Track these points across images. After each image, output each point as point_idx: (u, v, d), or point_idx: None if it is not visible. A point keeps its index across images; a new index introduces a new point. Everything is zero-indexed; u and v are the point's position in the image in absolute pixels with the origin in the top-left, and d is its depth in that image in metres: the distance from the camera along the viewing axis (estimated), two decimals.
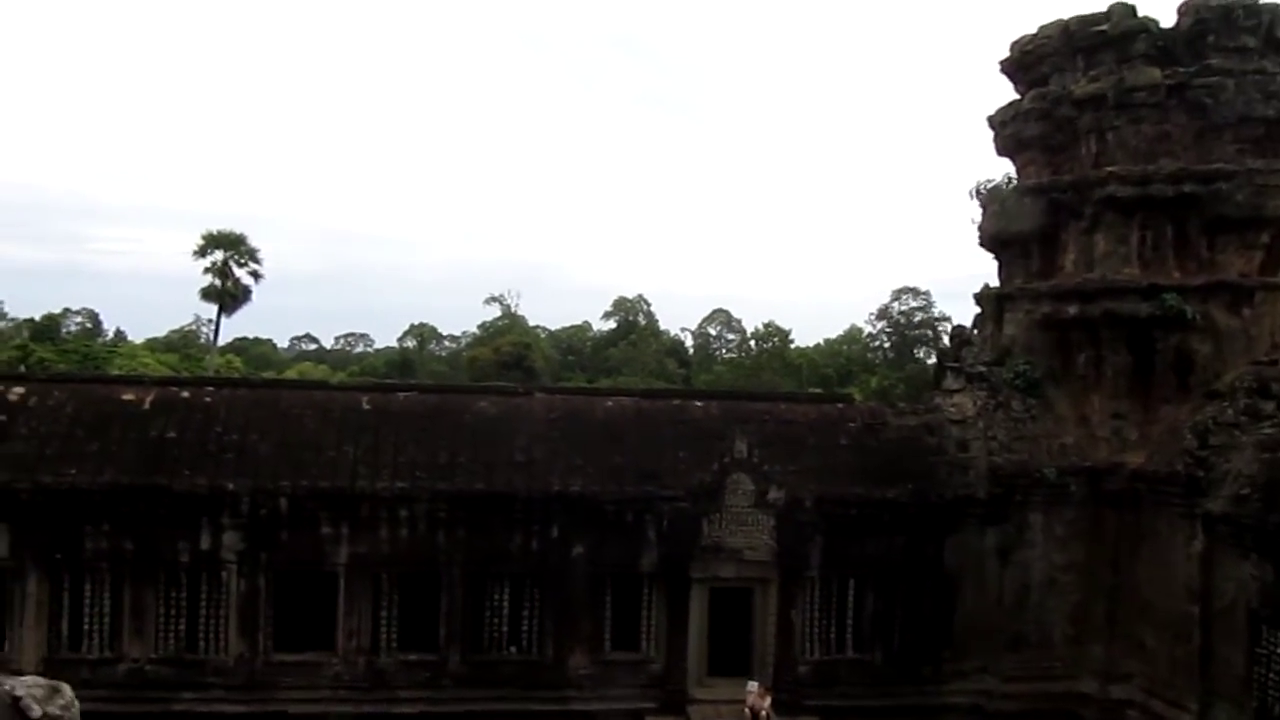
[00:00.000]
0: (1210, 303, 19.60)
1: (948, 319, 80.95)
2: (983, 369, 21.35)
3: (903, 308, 79.96)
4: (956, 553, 20.54)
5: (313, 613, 19.28)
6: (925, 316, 79.12)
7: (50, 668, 18.01)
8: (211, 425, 19.41)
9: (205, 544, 18.75)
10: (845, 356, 79.08)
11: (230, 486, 18.72)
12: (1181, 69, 20.03)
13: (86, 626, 18.38)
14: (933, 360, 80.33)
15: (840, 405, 22.16)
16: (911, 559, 20.45)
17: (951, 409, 21.39)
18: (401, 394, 20.87)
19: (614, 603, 20.03)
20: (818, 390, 68.25)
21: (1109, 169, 20.16)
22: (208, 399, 19.94)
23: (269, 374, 72.59)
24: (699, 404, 21.51)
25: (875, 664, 20.45)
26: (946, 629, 20.53)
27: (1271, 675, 16.90)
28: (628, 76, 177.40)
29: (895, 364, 75.64)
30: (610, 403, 21.22)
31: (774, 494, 19.79)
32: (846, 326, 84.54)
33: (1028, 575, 20.49)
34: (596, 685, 19.78)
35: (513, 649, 19.92)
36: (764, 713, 18.71)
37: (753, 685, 19.07)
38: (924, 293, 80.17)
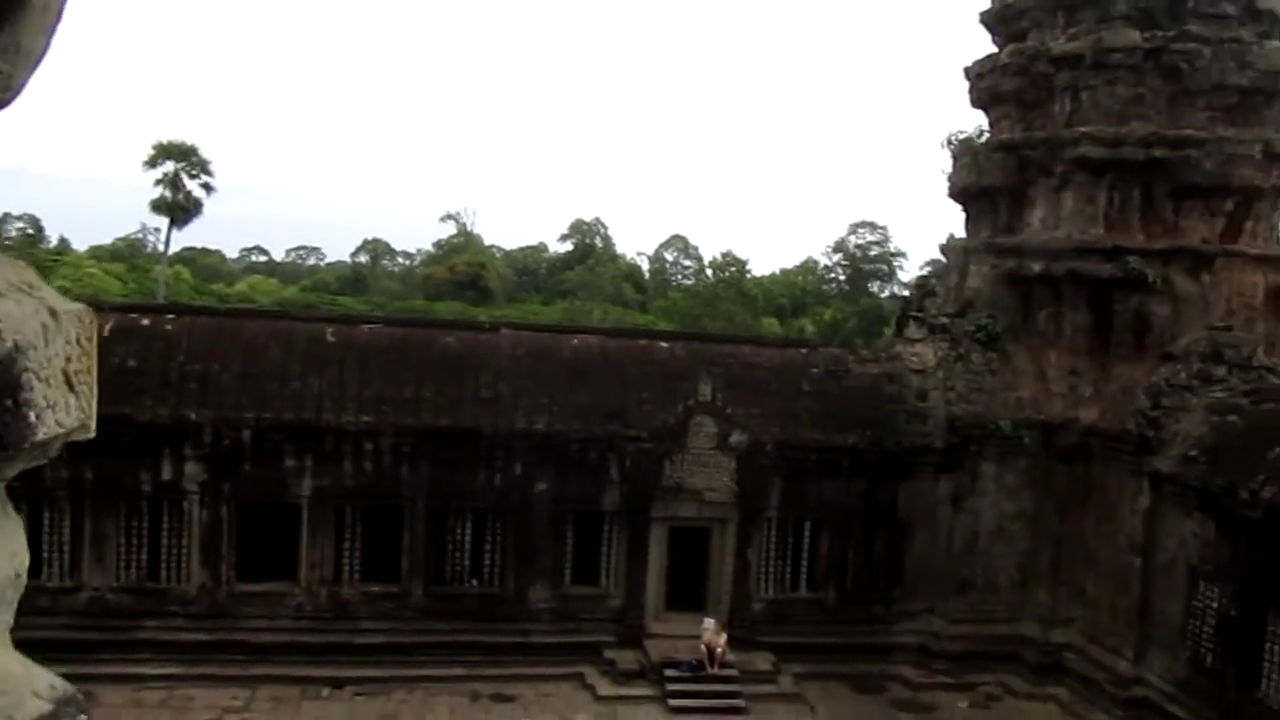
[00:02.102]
0: (1171, 267, 19.97)
1: (903, 255, 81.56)
2: (945, 320, 21.65)
3: (859, 241, 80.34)
4: (910, 499, 21.08)
5: (276, 544, 19.35)
6: (881, 251, 79.62)
7: None
8: (173, 354, 19.14)
9: (167, 474, 18.66)
10: (800, 288, 79.53)
11: (193, 417, 18.58)
12: (1160, 32, 20.08)
13: (46, 554, 18.27)
14: (886, 294, 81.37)
15: (804, 350, 22.39)
16: (867, 503, 20.97)
17: (913, 358, 21.73)
18: (366, 326, 20.71)
19: (575, 539, 20.33)
20: (772, 321, 68.72)
21: (1082, 129, 20.28)
22: (169, 327, 19.62)
23: (218, 285, 71.35)
24: (664, 345, 21.62)
25: (828, 603, 21.05)
26: (898, 571, 21.17)
27: (1205, 628, 17.71)
28: None
29: (849, 297, 76.15)
30: (576, 341, 21.24)
31: (736, 437, 20.08)
32: (803, 258, 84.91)
33: (978, 522, 21.09)
34: (556, 618, 20.18)
35: (474, 582, 20.21)
36: (719, 649, 19.26)
37: (709, 622, 19.59)
38: (881, 227, 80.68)
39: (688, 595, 20.65)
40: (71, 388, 1.57)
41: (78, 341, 1.60)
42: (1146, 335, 20.23)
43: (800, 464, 20.53)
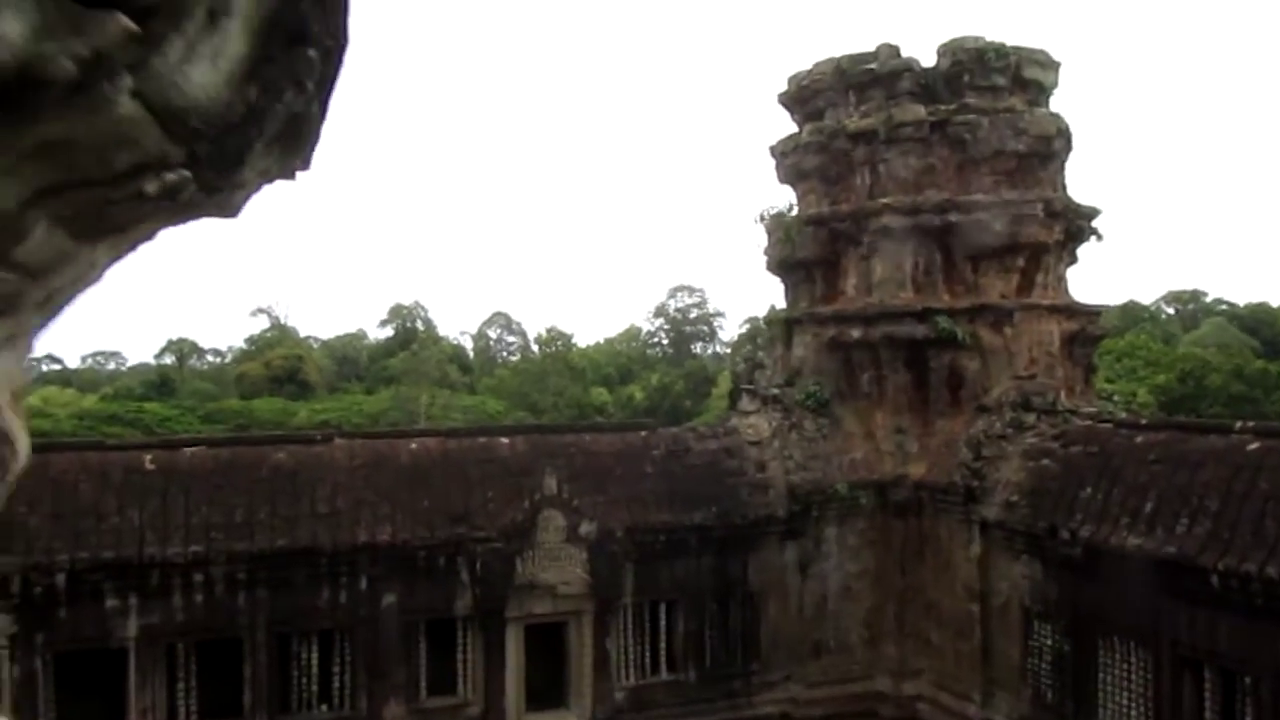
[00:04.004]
0: (976, 323, 21.26)
1: (722, 314, 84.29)
2: (776, 391, 22.31)
3: (678, 305, 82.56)
4: (760, 569, 21.43)
5: (101, 693, 17.93)
6: (701, 313, 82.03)
7: None
8: None
9: None
10: (626, 355, 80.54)
11: None
12: (942, 106, 21.58)
13: None
14: (710, 353, 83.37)
15: (644, 433, 22.54)
16: (718, 579, 21.18)
17: (749, 430, 22.24)
18: (189, 449, 19.61)
19: (429, 649, 19.68)
20: (602, 391, 69.19)
21: (883, 200, 21.49)
22: None
23: None
24: (505, 441, 21.36)
25: (688, 683, 21.03)
26: (754, 643, 21.40)
27: (1043, 665, 18.64)
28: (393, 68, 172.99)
29: (674, 360, 77.76)
30: (414, 444, 20.75)
31: (585, 528, 19.99)
32: (625, 325, 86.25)
33: (825, 585, 21.63)
34: None
35: (324, 707, 19.23)
36: None
37: None
38: (699, 290, 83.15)
39: (548, 692, 20.28)
40: None
41: None
42: (961, 389, 21.42)
43: (650, 547, 20.59)
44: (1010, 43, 22.01)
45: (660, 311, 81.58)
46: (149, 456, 19.13)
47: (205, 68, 1.40)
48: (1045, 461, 19.09)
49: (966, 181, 21.73)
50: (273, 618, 18.71)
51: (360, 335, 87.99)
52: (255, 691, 18.71)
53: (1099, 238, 22.57)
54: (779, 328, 23.64)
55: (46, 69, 1.25)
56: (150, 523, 18.27)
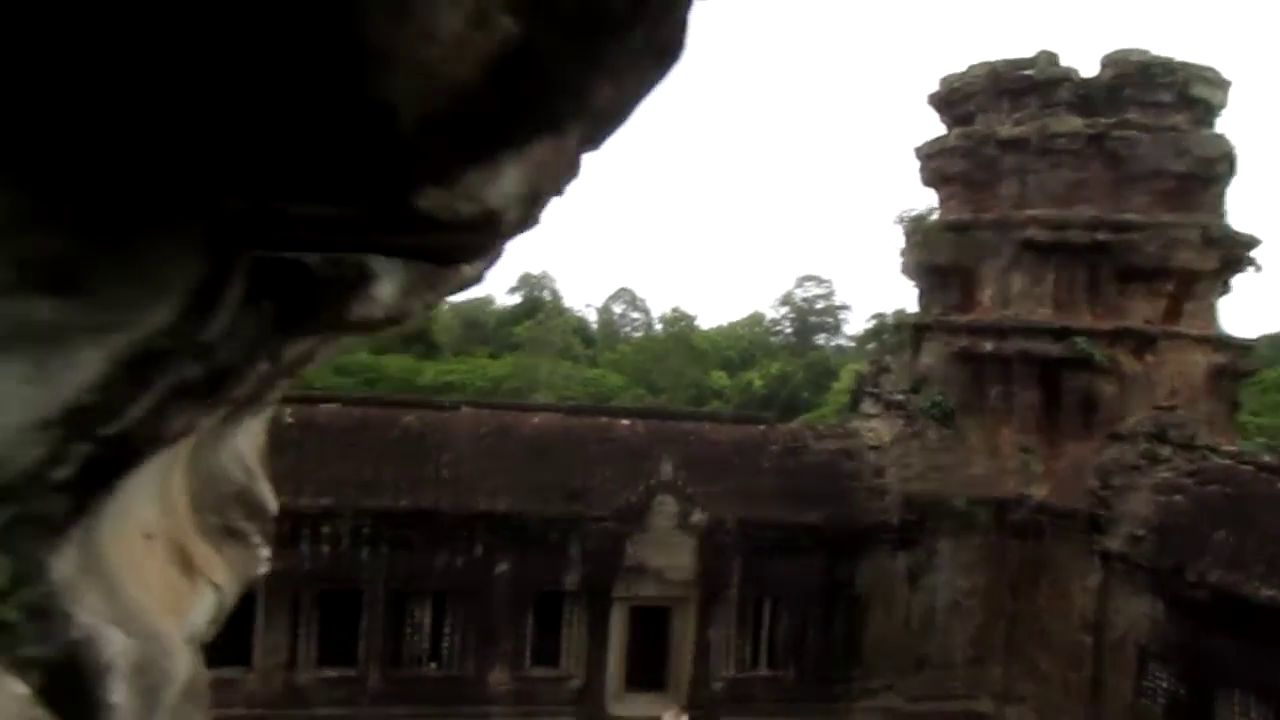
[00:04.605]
0: (1117, 347, 20.56)
1: (848, 307, 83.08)
2: (900, 397, 22.03)
3: (805, 294, 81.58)
4: (868, 575, 21.28)
5: (229, 629, 18.89)
6: (827, 304, 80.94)
7: None
8: None
9: None
10: (748, 340, 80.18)
11: None
12: (1101, 119, 20.84)
13: None
14: (833, 345, 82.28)
15: (762, 427, 22.58)
16: (826, 581, 21.11)
17: (869, 434, 22.04)
18: (325, 406, 20.52)
19: (536, 620, 20.23)
20: (721, 374, 69.18)
21: (1029, 212, 20.92)
22: None
23: None
24: (625, 422, 21.69)
25: (788, 681, 21.10)
26: (856, 648, 21.29)
27: (1155, 707, 18.05)
28: None
29: (796, 350, 77.01)
30: (537, 419, 21.26)
31: (697, 516, 20.17)
32: (749, 310, 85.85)
33: (934, 599, 21.34)
34: (516, 700, 19.99)
35: (433, 665, 19.99)
36: None
37: (671, 712, 19.58)
38: (826, 281, 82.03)
39: (648, 675, 20.59)
40: None
41: None
42: (1094, 414, 20.77)
43: (760, 542, 20.63)
44: (1178, 58, 21.08)
45: (786, 299, 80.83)
46: (289, 410, 20.04)
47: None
48: (1177, 498, 18.41)
49: (1120, 199, 20.96)
50: (391, 574, 19.49)
51: (489, 300, 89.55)
52: (370, 643, 19.55)
53: (1257, 268, 21.53)
54: (908, 333, 23.30)
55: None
56: (286, 473, 19.17)
